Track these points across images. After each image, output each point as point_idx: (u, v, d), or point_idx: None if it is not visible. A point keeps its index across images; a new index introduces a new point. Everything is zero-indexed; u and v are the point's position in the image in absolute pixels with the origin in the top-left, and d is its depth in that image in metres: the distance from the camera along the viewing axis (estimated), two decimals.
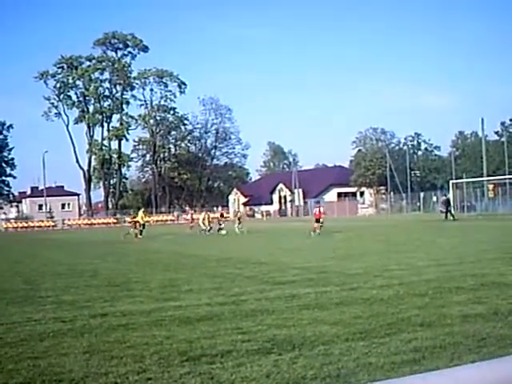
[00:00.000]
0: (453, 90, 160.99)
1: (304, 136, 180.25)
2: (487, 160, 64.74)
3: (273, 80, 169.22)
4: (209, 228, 38.26)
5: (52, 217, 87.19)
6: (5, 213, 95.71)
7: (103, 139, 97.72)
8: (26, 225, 78.54)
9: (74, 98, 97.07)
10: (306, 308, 8.97)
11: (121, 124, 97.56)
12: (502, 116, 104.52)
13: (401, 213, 72.31)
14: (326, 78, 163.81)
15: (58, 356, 6.62)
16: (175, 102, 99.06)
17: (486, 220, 41.86)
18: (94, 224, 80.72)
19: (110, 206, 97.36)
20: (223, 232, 37.07)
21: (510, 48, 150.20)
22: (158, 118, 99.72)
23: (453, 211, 45.72)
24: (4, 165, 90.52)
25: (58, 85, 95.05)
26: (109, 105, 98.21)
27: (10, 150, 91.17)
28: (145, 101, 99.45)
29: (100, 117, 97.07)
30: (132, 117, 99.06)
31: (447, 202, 45.43)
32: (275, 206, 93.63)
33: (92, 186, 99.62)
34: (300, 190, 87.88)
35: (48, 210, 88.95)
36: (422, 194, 73.59)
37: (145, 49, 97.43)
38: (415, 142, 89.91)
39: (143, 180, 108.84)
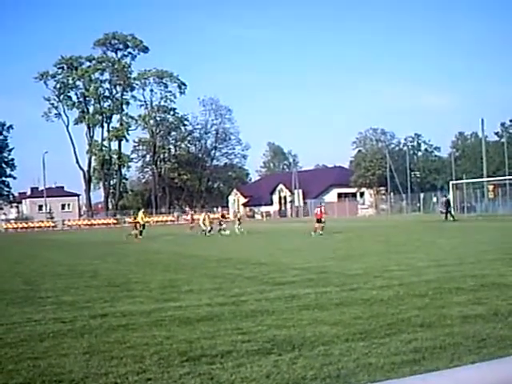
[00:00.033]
0: (453, 90, 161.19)
1: (304, 136, 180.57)
2: (487, 161, 64.75)
3: (273, 80, 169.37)
4: (209, 229, 38.25)
5: (52, 217, 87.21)
6: (5, 213, 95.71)
7: (103, 140, 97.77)
8: (25, 225, 78.55)
9: (74, 98, 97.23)
10: (306, 308, 8.97)
11: (121, 124, 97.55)
12: (502, 117, 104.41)
13: (401, 213, 72.31)
14: (326, 79, 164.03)
15: (58, 356, 6.62)
16: (175, 103, 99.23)
17: (486, 221, 41.86)
18: (94, 225, 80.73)
19: (110, 207, 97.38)
20: (227, 232, 37.06)
21: (510, 48, 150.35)
22: (158, 118, 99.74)
23: (453, 212, 45.73)
24: (4, 165, 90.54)
25: (58, 85, 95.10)
26: (109, 105, 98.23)
27: (10, 150, 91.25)
28: (145, 101, 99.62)
29: (100, 117, 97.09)
30: (132, 117, 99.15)
31: (447, 203, 45.45)
32: (275, 207, 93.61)
33: (92, 186, 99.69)
34: (300, 191, 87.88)
35: (48, 210, 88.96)
36: (422, 195, 73.59)
37: (145, 49, 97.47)
38: (415, 143, 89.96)
39: (143, 181, 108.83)
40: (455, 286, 10.42)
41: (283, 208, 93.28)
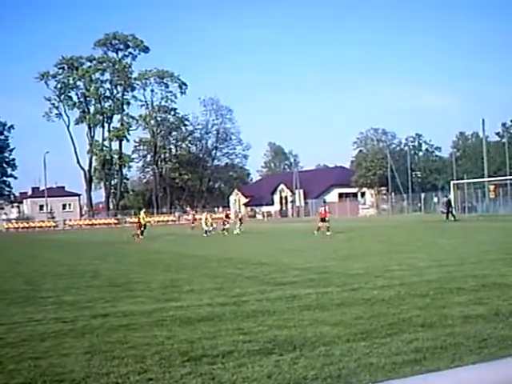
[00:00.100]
0: (453, 90, 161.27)
1: (305, 136, 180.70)
2: (488, 161, 64.71)
3: (273, 80, 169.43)
4: (210, 229, 38.25)
5: (53, 217, 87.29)
6: (6, 213, 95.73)
7: (104, 140, 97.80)
8: (26, 225, 78.61)
9: (74, 98, 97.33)
10: (307, 309, 8.97)
11: (121, 124, 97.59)
12: (503, 117, 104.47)
13: (402, 213, 72.30)
14: (326, 79, 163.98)
15: (59, 356, 6.62)
16: (176, 103, 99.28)
17: (486, 221, 41.84)
18: (95, 224, 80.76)
19: (111, 207, 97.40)
20: (236, 232, 37.16)
21: (510, 48, 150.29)
22: (159, 118, 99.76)
23: (454, 212, 45.72)
24: (5, 165, 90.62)
25: (59, 85, 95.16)
26: (109, 105, 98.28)
27: (11, 150, 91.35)
28: (145, 101, 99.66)
29: (101, 117, 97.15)
30: (133, 117, 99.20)
31: (448, 203, 45.45)
32: (276, 207, 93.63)
33: (93, 186, 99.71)
34: (301, 191, 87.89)
35: (49, 210, 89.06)
36: (422, 195, 73.58)
37: (145, 49, 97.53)
38: (416, 143, 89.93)
39: (144, 181, 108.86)
40: (456, 286, 10.42)
41: (284, 208, 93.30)
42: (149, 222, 45.12)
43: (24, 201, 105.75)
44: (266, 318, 8.40)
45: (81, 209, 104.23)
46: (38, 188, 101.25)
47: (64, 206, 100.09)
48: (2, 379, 5.90)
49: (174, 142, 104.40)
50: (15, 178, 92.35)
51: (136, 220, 38.55)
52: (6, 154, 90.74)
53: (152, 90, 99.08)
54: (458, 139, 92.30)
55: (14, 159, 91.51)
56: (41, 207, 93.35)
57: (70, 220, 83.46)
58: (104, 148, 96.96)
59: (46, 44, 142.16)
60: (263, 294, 10.77)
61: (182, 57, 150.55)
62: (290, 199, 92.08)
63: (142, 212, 40.67)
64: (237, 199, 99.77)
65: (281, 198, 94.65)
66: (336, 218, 57.56)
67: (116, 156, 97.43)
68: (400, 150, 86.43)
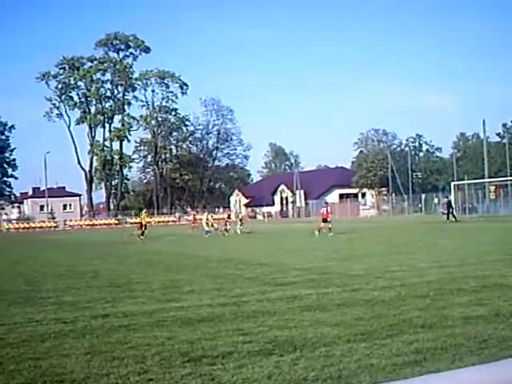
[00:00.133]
0: (454, 90, 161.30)
1: (305, 137, 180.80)
2: (489, 161, 64.73)
3: (274, 81, 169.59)
4: (211, 229, 38.25)
5: (53, 217, 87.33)
6: (6, 213, 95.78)
7: (105, 140, 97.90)
8: (27, 225, 78.65)
9: (75, 98, 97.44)
10: (308, 309, 8.97)
11: (122, 125, 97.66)
12: (504, 117, 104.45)
13: (402, 214, 72.31)
14: (326, 79, 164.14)
15: (60, 357, 6.62)
16: (177, 103, 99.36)
17: (487, 222, 41.83)
18: (96, 225, 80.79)
19: (112, 207, 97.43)
20: (238, 231, 37.21)
21: (510, 48, 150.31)
22: (160, 118, 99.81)
23: (455, 213, 45.71)
24: (6, 165, 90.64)
25: (60, 85, 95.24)
26: (110, 106, 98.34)
27: (12, 150, 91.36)
28: (146, 102, 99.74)
29: (102, 118, 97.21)
30: (133, 118, 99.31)
31: (449, 204, 45.45)
32: (277, 207, 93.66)
33: (93, 186, 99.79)
34: (301, 191, 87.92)
35: (49, 210, 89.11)
36: (423, 196, 73.62)
37: (146, 50, 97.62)
38: (417, 144, 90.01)
39: (145, 181, 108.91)
40: (457, 287, 10.41)
41: (285, 208, 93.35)
42: (149, 222, 45.11)
43: (24, 201, 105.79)
44: (266, 318, 8.40)
45: (81, 209, 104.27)
46: (39, 188, 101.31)
47: (64, 207, 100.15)
48: (2, 380, 5.90)
49: (174, 142, 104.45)
50: (16, 178, 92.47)
51: (138, 220, 38.54)
52: (7, 154, 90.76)
53: (153, 91, 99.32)
54: (459, 140, 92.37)
55: (14, 159, 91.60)
56: (41, 207, 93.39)
57: (71, 220, 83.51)
58: (105, 148, 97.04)
59: (47, 44, 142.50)
60: (263, 294, 10.77)
61: (182, 57, 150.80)
62: (290, 200, 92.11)
63: (142, 212, 40.70)
64: (237, 200, 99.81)
65: (281, 198, 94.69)
66: (336, 218, 57.53)
67: (117, 156, 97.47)
68: (400, 150, 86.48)
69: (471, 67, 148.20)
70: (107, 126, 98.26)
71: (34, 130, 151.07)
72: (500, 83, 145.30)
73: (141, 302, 10.36)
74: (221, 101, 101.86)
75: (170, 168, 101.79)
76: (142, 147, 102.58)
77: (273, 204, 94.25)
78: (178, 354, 6.52)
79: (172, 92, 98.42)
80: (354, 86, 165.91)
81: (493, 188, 61.59)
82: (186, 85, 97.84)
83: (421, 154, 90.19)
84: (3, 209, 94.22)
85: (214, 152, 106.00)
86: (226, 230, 37.71)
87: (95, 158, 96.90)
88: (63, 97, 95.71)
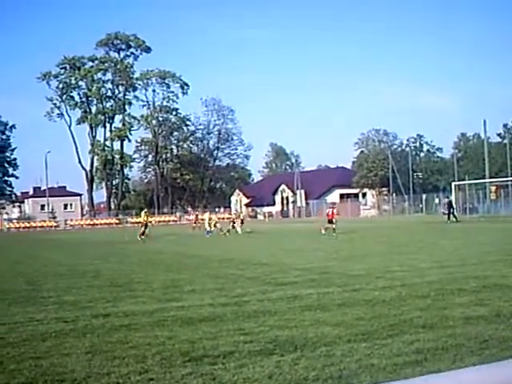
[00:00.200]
0: (454, 91, 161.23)
1: (306, 137, 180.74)
2: (489, 162, 64.72)
3: (275, 81, 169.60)
4: (213, 229, 38.25)
5: (54, 217, 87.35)
6: (7, 213, 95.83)
7: (106, 140, 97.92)
8: (28, 225, 78.66)
9: (76, 98, 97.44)
10: (308, 309, 8.97)
11: (123, 125, 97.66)
12: (505, 118, 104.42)
13: (403, 214, 72.28)
14: (327, 79, 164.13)
15: (60, 356, 6.62)
16: (177, 103, 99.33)
17: (488, 222, 41.83)
18: (97, 224, 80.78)
19: (113, 207, 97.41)
20: (248, 230, 37.24)
21: (511, 48, 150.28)
22: (161, 118, 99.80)
23: (455, 213, 45.71)
24: (6, 165, 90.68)
25: (61, 85, 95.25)
26: (111, 105, 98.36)
27: (13, 150, 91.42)
28: (147, 101, 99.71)
29: (102, 117, 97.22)
30: (134, 117, 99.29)
31: (449, 204, 45.44)
32: (277, 207, 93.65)
33: (94, 186, 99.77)
34: (302, 191, 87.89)
35: (50, 210, 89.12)
36: (424, 196, 73.59)
37: (147, 50, 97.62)
38: (417, 144, 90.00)
39: (145, 181, 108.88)
40: (457, 288, 10.42)
41: (285, 208, 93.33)
42: (150, 222, 45.09)
43: (25, 200, 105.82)
44: (267, 318, 8.40)
45: (82, 209, 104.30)
46: (40, 188, 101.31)
47: (65, 206, 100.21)
48: (3, 379, 5.91)
49: (175, 142, 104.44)
50: (17, 177, 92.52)
51: (141, 220, 38.49)
52: (8, 154, 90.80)
53: (154, 90, 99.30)
54: (460, 140, 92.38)
55: (15, 159, 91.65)
56: (42, 207, 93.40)
57: (72, 220, 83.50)
58: (105, 148, 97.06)
59: (48, 44, 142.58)
60: (264, 294, 10.77)
61: (183, 57, 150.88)
62: (291, 200, 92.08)
63: (143, 212, 40.68)
64: (238, 199, 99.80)
65: (282, 198, 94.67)
66: (337, 218, 57.53)
67: (117, 156, 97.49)
68: (401, 150, 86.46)
69: (472, 67, 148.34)
70: (108, 125, 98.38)
71: (35, 129, 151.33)
72: (501, 83, 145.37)
73: (141, 302, 10.37)
74: (221, 101, 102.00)
75: (171, 168, 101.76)
76: (143, 147, 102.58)
77: (273, 204, 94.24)
78: (179, 354, 6.53)
79: (173, 92, 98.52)
80: (354, 86, 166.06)
81: (493, 188, 61.59)
82: (187, 85, 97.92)
83: (421, 154, 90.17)
84: (4, 208, 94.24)
85: (215, 152, 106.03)
86: (228, 230, 37.72)
87: (96, 157, 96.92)
88: (64, 96, 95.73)
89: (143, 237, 35.87)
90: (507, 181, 59.58)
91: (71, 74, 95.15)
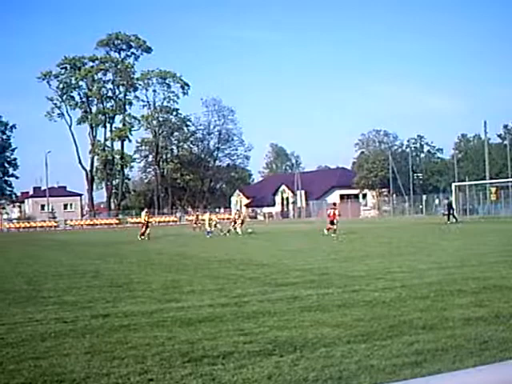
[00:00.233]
0: (455, 91, 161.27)
1: (307, 138, 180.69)
2: (490, 163, 64.72)
3: (275, 81, 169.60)
4: (213, 229, 38.26)
5: (54, 217, 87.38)
6: (7, 213, 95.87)
7: (106, 140, 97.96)
8: (28, 225, 78.74)
9: (76, 98, 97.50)
10: (308, 310, 8.97)
11: (123, 125, 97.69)
12: (505, 118, 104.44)
13: (403, 215, 72.30)
14: (327, 79, 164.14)
15: (60, 356, 6.62)
16: (178, 103, 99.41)
17: (488, 223, 41.82)
18: (97, 224, 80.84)
19: (113, 207, 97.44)
20: (249, 231, 37.29)
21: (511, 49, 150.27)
22: (161, 118, 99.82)
23: (455, 214, 45.70)
24: (7, 165, 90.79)
25: (61, 85, 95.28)
26: (112, 105, 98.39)
27: (13, 150, 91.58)
28: (148, 102, 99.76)
29: (103, 117, 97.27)
30: (135, 118, 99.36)
31: (449, 205, 45.43)
32: (277, 208, 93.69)
33: (94, 186, 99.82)
34: (302, 192, 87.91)
35: (50, 210, 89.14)
36: (424, 197, 73.61)
37: (148, 50, 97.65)
38: (418, 145, 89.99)
39: (146, 181, 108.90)
40: (457, 289, 10.41)
41: (285, 209, 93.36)
42: (150, 222, 45.15)
43: (25, 200, 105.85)
44: (266, 318, 8.40)
45: (82, 209, 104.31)
46: (40, 188, 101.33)
47: (65, 206, 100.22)
48: (2, 379, 5.90)
49: (175, 142, 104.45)
50: (17, 177, 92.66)
51: (141, 220, 38.51)
52: (8, 154, 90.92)
53: (154, 91, 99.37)
54: (460, 141, 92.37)
55: (15, 159, 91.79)
56: (42, 207, 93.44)
57: (72, 220, 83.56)
58: (106, 148, 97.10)
59: (49, 44, 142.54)
60: (264, 295, 10.77)
61: (184, 57, 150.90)
62: (291, 200, 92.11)
63: (143, 212, 40.70)
64: (238, 200, 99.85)
65: (282, 198, 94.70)
66: (338, 219, 57.49)
67: (118, 156, 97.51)
68: (402, 151, 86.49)
69: (472, 68, 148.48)
70: (108, 125, 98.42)
71: (36, 129, 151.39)
72: (501, 84, 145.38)
73: (141, 302, 10.37)
74: (222, 101, 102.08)
75: (171, 168, 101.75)
76: (143, 147, 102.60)
77: (273, 204, 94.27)
78: (179, 354, 6.52)
79: (173, 92, 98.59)
80: (354, 86, 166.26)
81: (494, 189, 61.63)
82: (188, 85, 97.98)
83: (422, 155, 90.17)
84: (4, 208, 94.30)
85: (215, 152, 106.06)
86: (228, 230, 37.71)
87: (96, 157, 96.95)
88: (64, 96, 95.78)
89: (143, 237, 35.90)
90: (507, 182, 59.61)
91: (72, 74, 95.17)
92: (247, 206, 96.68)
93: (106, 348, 6.95)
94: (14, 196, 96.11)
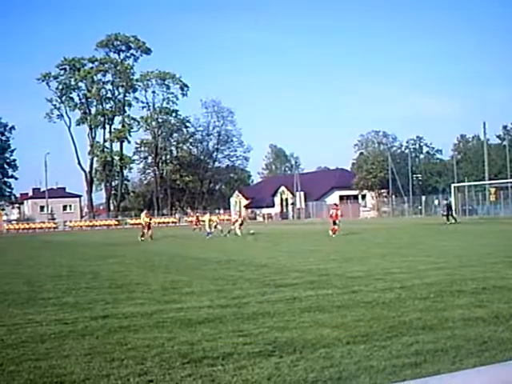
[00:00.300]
0: (454, 92, 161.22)
1: (306, 139, 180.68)
2: (489, 164, 64.75)
3: (274, 82, 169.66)
4: (213, 230, 38.23)
5: (53, 218, 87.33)
6: (6, 214, 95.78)
7: (105, 141, 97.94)
8: (27, 226, 78.66)
9: (76, 99, 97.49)
10: (308, 311, 8.97)
11: (123, 126, 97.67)
12: (504, 119, 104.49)
13: (402, 216, 72.30)
14: (327, 80, 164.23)
15: (60, 358, 6.62)
16: (177, 105, 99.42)
17: (487, 224, 41.83)
18: (96, 226, 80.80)
19: (112, 208, 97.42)
20: (251, 232, 37.33)
21: (511, 50, 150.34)
22: (160, 120, 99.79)
23: (454, 215, 45.71)
24: (6, 166, 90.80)
25: (61, 86, 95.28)
26: (111, 107, 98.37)
27: (12, 151, 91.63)
28: (147, 103, 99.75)
29: (102, 119, 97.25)
30: (134, 119, 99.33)
31: (448, 206, 45.44)
32: (277, 209, 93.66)
33: (94, 187, 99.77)
34: (302, 193, 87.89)
35: (49, 211, 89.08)
36: (423, 198, 73.65)
37: (147, 51, 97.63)
38: (417, 146, 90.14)
39: (145, 182, 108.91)
40: (457, 289, 10.42)
41: (285, 210, 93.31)
42: (151, 223, 45.19)
43: (25, 202, 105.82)
44: (266, 319, 8.40)
45: (81, 210, 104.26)
46: (39, 189, 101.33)
47: (65, 207, 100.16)
48: (2, 381, 5.90)
49: (175, 143, 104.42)
50: (16, 178, 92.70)
51: (147, 221, 38.50)
52: (7, 155, 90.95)
53: (153, 92, 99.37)
54: (459, 142, 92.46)
55: (14, 160, 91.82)
56: (41, 208, 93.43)
57: (71, 221, 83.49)
58: (105, 149, 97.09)
59: (48, 45, 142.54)
60: (264, 295, 10.76)
61: (183, 58, 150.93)
62: (290, 201, 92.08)
63: (143, 213, 40.68)
64: (237, 201, 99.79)
65: (281, 200, 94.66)
66: (340, 219, 57.44)
67: (117, 157, 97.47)
68: (401, 152, 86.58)
69: (471, 69, 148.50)
70: (108, 126, 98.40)
71: (35, 130, 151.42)
72: (500, 85, 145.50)
73: (141, 303, 10.36)
74: (221, 102, 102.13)
75: (171, 169, 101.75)
76: (143, 148, 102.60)
77: (273, 205, 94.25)
78: (178, 356, 6.52)
79: (172, 93, 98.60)
80: (354, 88, 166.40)
81: (493, 190, 61.65)
82: (187, 86, 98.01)
83: (421, 156, 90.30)
84: (3, 209, 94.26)
85: (215, 153, 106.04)
86: (228, 231, 37.69)
87: (95, 158, 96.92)
88: (64, 98, 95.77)
89: (143, 238, 35.87)
90: (506, 183, 59.64)
91: (71, 75, 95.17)
92: (246, 207, 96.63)
93: (105, 349, 6.95)
94: (13, 197, 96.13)
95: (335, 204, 37.31)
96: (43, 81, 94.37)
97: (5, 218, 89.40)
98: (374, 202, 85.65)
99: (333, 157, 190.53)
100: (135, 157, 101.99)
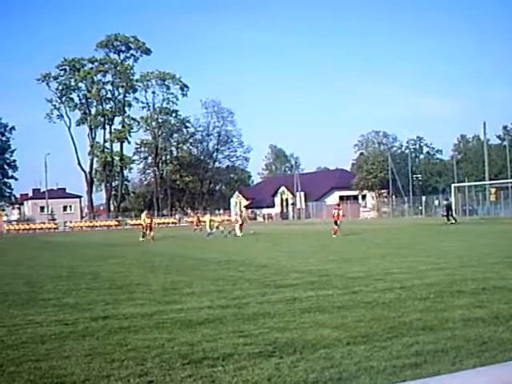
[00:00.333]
0: (454, 93, 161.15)
1: (306, 139, 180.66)
2: (489, 164, 64.75)
3: (274, 82, 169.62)
4: (214, 231, 38.23)
5: (54, 219, 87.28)
6: (6, 214, 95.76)
7: (105, 141, 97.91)
8: (27, 227, 78.63)
9: (76, 100, 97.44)
10: (308, 311, 8.97)
11: (123, 126, 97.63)
12: (504, 120, 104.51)
13: (403, 216, 72.27)
14: (327, 81, 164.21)
15: (60, 359, 6.62)
16: (177, 105, 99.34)
17: (487, 224, 41.83)
18: (96, 226, 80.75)
19: (112, 209, 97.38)
20: (251, 232, 37.34)
21: (511, 50, 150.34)
22: (160, 120, 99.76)
23: (454, 215, 45.71)
24: (6, 167, 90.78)
25: (61, 87, 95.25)
26: (111, 107, 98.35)
27: (12, 151, 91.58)
28: (147, 103, 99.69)
29: (102, 119, 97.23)
30: (134, 119, 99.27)
31: (448, 206, 45.43)
32: (277, 209, 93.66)
33: (94, 188, 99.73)
34: (302, 193, 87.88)
35: (50, 212, 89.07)
36: (423, 198, 73.62)
37: (147, 51, 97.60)
38: (417, 146, 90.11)
39: (145, 182, 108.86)
40: (457, 289, 10.42)
41: (285, 210, 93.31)
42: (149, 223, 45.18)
43: (25, 202, 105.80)
44: (266, 320, 8.40)
45: (81, 210, 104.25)
46: (39, 189, 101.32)
47: (65, 208, 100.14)
48: (2, 381, 5.90)
49: (175, 143, 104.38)
50: (16, 179, 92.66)
51: (148, 222, 38.46)
52: (7, 156, 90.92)
53: (153, 92, 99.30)
54: (459, 142, 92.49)
55: (14, 160, 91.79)
56: (41, 209, 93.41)
57: (71, 222, 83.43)
58: (105, 150, 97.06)
59: (48, 45, 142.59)
60: (264, 296, 10.76)
61: (183, 59, 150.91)
62: (290, 202, 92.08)
63: (143, 214, 40.68)
64: (238, 201, 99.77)
65: (282, 200, 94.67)
66: (342, 219, 57.39)
67: (117, 158, 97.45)
68: (401, 152, 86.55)
69: (471, 69, 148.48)
70: (108, 127, 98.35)
71: (35, 131, 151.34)
72: (500, 85, 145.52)
73: (141, 304, 10.36)
74: (221, 103, 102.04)
75: (171, 169, 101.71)
76: (143, 149, 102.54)
77: (273, 206, 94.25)
78: (178, 356, 6.52)
79: (172, 93, 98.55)
80: (354, 88, 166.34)
81: (493, 190, 61.66)
82: (187, 86, 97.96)
83: (421, 156, 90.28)
84: (3, 210, 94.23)
85: (215, 154, 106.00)
86: (229, 232, 37.70)
87: (95, 159, 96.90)
88: (64, 98, 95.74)
89: (144, 239, 35.87)
90: (507, 183, 59.64)
91: (71, 76, 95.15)
92: (247, 207, 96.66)
93: (105, 350, 6.95)
94: (13, 198, 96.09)
95: (337, 204, 37.31)
96: (43, 81, 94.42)
97: (5, 218, 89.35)
98: (374, 202, 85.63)
99: (333, 157, 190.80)
100: (135, 157, 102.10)
